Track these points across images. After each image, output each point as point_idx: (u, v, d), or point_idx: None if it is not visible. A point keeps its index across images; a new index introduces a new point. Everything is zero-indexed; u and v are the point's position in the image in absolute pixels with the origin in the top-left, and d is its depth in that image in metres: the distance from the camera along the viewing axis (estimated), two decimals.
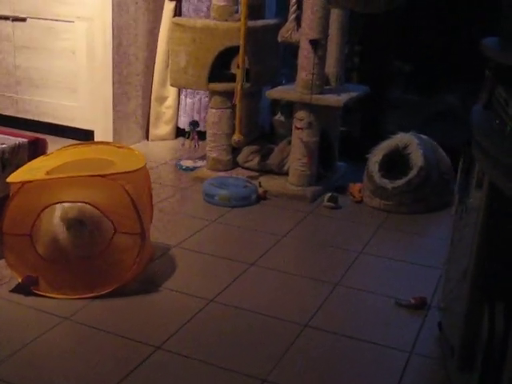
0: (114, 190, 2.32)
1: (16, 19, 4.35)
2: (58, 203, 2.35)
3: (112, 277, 2.40)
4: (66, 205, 2.36)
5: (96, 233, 2.40)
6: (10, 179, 2.33)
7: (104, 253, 2.38)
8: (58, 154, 2.61)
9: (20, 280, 2.35)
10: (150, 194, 2.69)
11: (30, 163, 2.55)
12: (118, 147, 2.71)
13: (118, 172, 2.36)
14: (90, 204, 2.33)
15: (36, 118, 4.48)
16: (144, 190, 2.55)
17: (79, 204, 2.36)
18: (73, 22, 4.15)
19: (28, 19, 4.31)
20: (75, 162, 2.54)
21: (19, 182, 2.29)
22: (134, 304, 2.38)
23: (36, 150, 2.77)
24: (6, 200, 2.31)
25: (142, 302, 2.40)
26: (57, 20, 4.21)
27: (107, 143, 2.82)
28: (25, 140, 2.75)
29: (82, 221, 2.37)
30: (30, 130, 4.23)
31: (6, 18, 4.37)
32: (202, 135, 4.21)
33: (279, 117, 3.88)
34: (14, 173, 2.42)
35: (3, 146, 2.66)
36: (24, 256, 2.34)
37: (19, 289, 2.36)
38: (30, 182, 2.30)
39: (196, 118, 4.44)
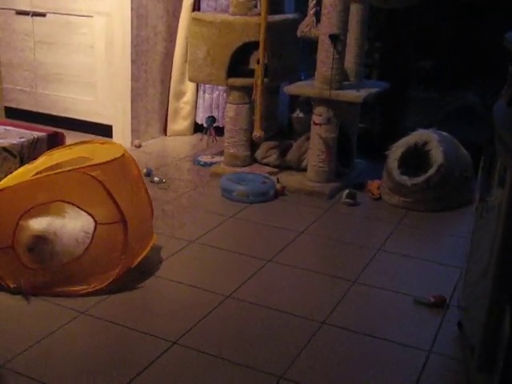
0: (88, 183, 2.29)
1: (36, 14, 4.36)
2: (32, 208, 2.30)
3: (103, 270, 2.37)
4: (28, 227, 2.32)
5: (57, 249, 2.36)
6: None
7: (90, 248, 2.35)
8: (45, 160, 2.58)
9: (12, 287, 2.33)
10: (139, 182, 2.63)
11: (16, 171, 2.52)
12: (102, 143, 2.69)
13: (88, 165, 2.33)
14: (64, 201, 2.32)
15: (55, 113, 4.50)
16: (125, 179, 2.50)
17: (40, 222, 2.33)
18: (92, 16, 4.15)
19: (48, 14, 4.33)
20: (58, 165, 2.51)
21: None
22: (151, 299, 2.37)
23: (54, 143, 2.78)
24: None
25: (158, 297, 2.40)
26: (76, 15, 4.22)
27: (91, 141, 2.75)
28: (43, 134, 2.76)
29: (41, 240, 2.33)
30: (49, 125, 4.24)
31: (26, 13, 4.39)
32: (219, 131, 4.20)
33: (298, 113, 3.86)
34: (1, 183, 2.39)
35: (22, 139, 2.67)
36: (10, 267, 2.31)
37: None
38: (1, 190, 2.27)
39: (214, 113, 4.43)
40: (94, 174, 2.28)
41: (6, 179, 2.44)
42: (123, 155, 2.49)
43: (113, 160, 2.40)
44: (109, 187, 2.30)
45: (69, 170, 2.31)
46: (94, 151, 2.57)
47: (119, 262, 2.35)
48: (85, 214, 2.33)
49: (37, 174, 2.42)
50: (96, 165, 2.33)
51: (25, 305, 2.27)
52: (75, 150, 2.63)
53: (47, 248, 2.34)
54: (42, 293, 2.32)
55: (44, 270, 2.35)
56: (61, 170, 2.34)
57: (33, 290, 2.32)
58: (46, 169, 2.47)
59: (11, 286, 2.32)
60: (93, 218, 2.32)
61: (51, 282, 2.34)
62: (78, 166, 2.32)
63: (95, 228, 2.33)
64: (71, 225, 2.38)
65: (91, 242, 2.34)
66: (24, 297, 2.31)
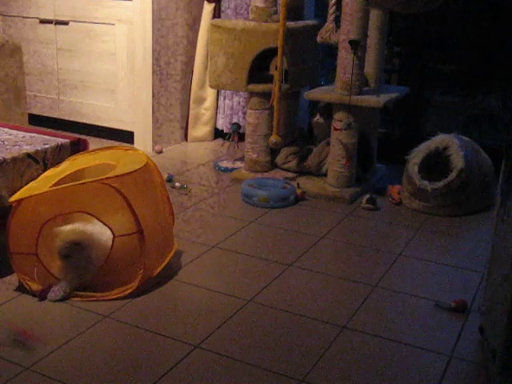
0: (109, 194, 2.32)
1: (59, 23, 4.43)
2: (55, 217, 2.34)
3: (124, 280, 2.41)
4: (61, 233, 2.34)
5: (93, 255, 2.39)
6: (13, 198, 2.33)
7: (109, 260, 2.36)
8: (69, 165, 2.61)
9: (37, 295, 2.36)
10: (162, 190, 2.65)
11: (40, 176, 2.55)
12: (126, 150, 2.71)
13: (111, 176, 2.34)
14: (85, 212, 2.35)
15: (77, 120, 4.56)
16: (147, 189, 2.52)
17: (74, 229, 2.35)
18: (113, 24, 4.21)
19: (70, 22, 4.39)
20: (81, 170, 2.54)
21: (15, 201, 2.30)
22: (173, 303, 2.40)
23: (78, 150, 2.81)
24: None
25: (180, 301, 2.42)
26: (98, 23, 4.27)
27: (116, 147, 2.78)
28: (67, 140, 2.79)
29: (77, 246, 2.35)
30: (72, 132, 4.31)
31: (49, 21, 4.46)
32: (241, 137, 4.22)
33: (318, 118, 3.87)
34: (22, 189, 2.42)
35: (46, 146, 2.70)
36: (34, 273, 2.35)
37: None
38: (26, 198, 2.31)
39: (235, 119, 4.45)
40: (115, 185, 2.31)
41: (30, 184, 2.48)
42: (146, 164, 2.52)
43: (135, 171, 2.42)
44: (130, 198, 2.32)
45: (92, 181, 2.34)
46: (119, 158, 2.59)
47: (139, 273, 2.38)
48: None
49: (60, 180, 2.45)
50: (118, 176, 2.35)
51: (48, 308, 2.30)
52: (99, 156, 2.66)
53: (83, 255, 2.37)
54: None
55: (71, 279, 2.38)
56: (84, 181, 2.37)
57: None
58: (70, 175, 2.50)
59: (35, 289, 2.36)
60: (111, 230, 2.34)
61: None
62: (100, 177, 2.34)
63: (113, 240, 2.35)
64: (101, 231, 2.42)
65: (109, 254, 2.36)
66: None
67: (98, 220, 2.35)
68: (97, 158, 2.64)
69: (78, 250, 2.35)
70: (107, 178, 2.33)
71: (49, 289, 2.35)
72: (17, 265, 2.37)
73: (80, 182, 2.37)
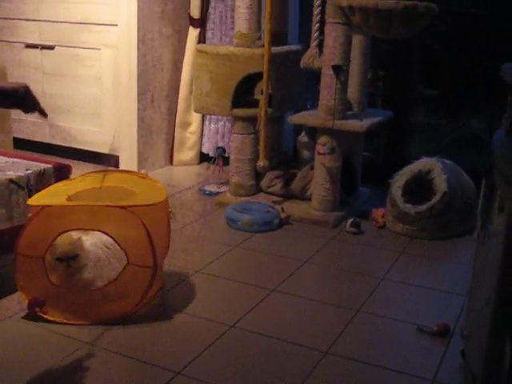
0: (132, 222, 2.32)
1: (44, 47, 4.44)
2: (74, 230, 2.37)
3: (119, 307, 2.40)
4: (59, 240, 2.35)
5: (84, 263, 2.39)
6: (31, 201, 2.39)
7: (114, 283, 2.38)
8: (81, 180, 2.63)
9: (27, 301, 2.36)
10: (169, 226, 2.67)
11: (52, 186, 2.59)
12: (141, 177, 2.72)
13: (138, 204, 2.36)
14: (105, 233, 2.36)
15: (63, 144, 4.55)
16: (162, 223, 2.54)
17: (73, 238, 2.36)
18: (99, 49, 4.23)
19: (56, 47, 4.40)
20: (96, 189, 2.55)
21: (39, 206, 2.33)
22: (155, 329, 2.38)
23: (61, 175, 2.81)
24: None
25: (162, 327, 2.40)
26: (84, 48, 4.29)
27: (130, 172, 2.81)
28: (50, 166, 2.79)
29: (73, 256, 2.35)
30: (57, 155, 4.30)
31: (35, 46, 4.47)
32: (225, 160, 4.23)
33: (302, 137, 3.88)
34: (37, 194, 2.48)
35: (28, 171, 2.70)
36: (34, 279, 2.36)
37: (28, 315, 2.38)
38: (50, 206, 2.33)
39: (220, 143, 4.46)
40: (140, 214, 2.31)
41: (43, 191, 2.52)
42: (166, 198, 2.51)
43: (158, 203, 2.43)
44: (151, 232, 2.33)
45: (117, 206, 2.33)
46: (135, 184, 2.61)
47: (137, 304, 2.40)
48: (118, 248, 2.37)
49: (74, 194, 2.47)
50: (145, 206, 2.36)
51: (30, 332, 2.28)
52: (113, 178, 2.67)
53: (75, 261, 2.36)
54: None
55: (67, 290, 2.38)
56: (110, 204, 2.36)
57: (38, 307, 2.36)
58: (86, 191, 2.53)
59: (27, 298, 2.36)
60: (127, 257, 2.35)
61: (71, 305, 2.39)
62: (126, 203, 2.36)
63: (125, 267, 2.36)
64: (92, 240, 2.43)
65: (117, 278, 2.37)
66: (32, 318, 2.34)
67: (116, 243, 2.35)
68: (110, 179, 2.66)
69: (71, 256, 2.34)
70: (133, 206, 2.34)
71: (38, 299, 2.35)
72: (19, 266, 2.35)
73: (105, 203, 2.38)
